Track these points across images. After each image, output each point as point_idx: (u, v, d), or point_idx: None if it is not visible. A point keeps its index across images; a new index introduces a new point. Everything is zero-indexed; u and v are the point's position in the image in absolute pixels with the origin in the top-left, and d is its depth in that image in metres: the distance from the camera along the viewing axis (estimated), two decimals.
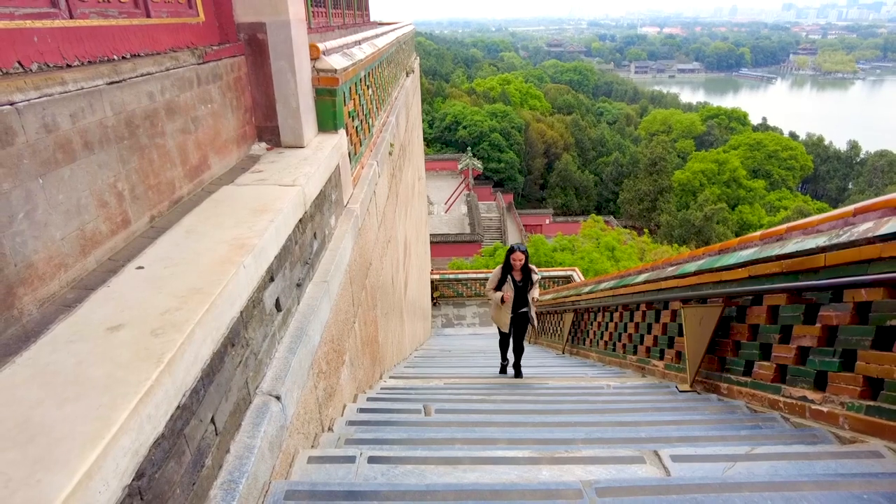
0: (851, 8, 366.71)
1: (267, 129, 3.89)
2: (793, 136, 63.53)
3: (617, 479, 2.19)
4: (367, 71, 5.78)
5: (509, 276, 5.91)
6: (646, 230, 40.23)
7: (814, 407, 3.19)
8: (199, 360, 1.76)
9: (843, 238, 2.96)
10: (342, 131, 4.35)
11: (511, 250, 5.87)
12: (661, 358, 5.54)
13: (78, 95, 1.97)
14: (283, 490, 2.06)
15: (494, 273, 6.09)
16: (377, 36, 7.86)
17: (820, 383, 3.23)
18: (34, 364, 1.51)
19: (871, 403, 2.78)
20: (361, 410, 3.72)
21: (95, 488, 1.21)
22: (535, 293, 6.04)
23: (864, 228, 2.85)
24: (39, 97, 1.77)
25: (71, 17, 2.12)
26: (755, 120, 70.80)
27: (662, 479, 2.26)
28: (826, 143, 62.27)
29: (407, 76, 12.01)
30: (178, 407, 1.61)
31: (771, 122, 71.59)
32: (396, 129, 8.30)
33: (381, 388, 4.99)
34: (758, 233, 3.97)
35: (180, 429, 1.62)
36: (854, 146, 60.67)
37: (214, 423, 1.87)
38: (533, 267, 6.00)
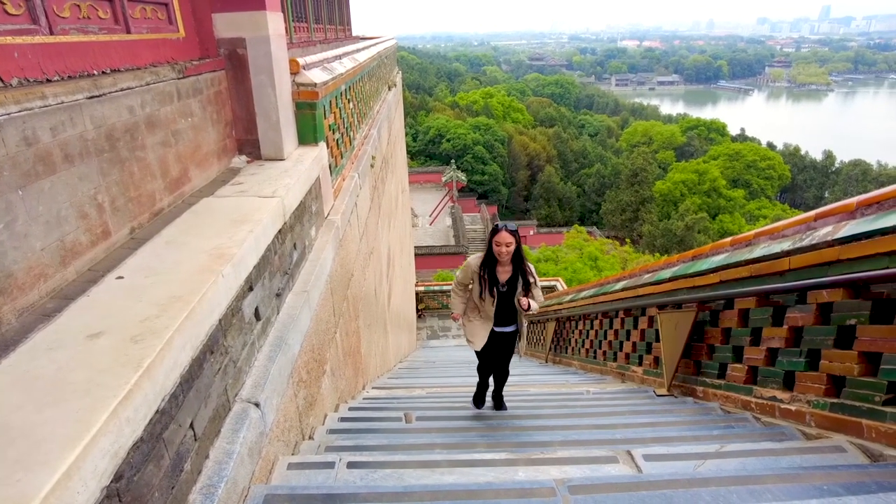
0: (822, 22, 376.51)
1: (248, 142, 3.94)
2: (770, 146, 64.73)
3: (589, 477, 2.25)
4: (348, 85, 5.86)
5: (488, 275, 3.92)
6: (628, 240, 40.66)
7: (783, 406, 3.29)
8: (179, 366, 1.80)
9: (805, 242, 3.07)
10: (323, 144, 4.41)
11: (495, 230, 3.83)
12: (640, 364, 5.63)
13: (58, 109, 2.02)
14: (263, 494, 2.09)
15: (467, 265, 4.07)
16: (358, 50, 7.95)
17: (788, 383, 3.33)
18: (13, 371, 1.54)
19: (835, 401, 2.88)
20: (343, 419, 3.75)
21: (74, 488, 1.25)
22: (534, 302, 3.95)
23: (824, 232, 2.97)
24: (20, 111, 1.81)
25: (51, 33, 2.17)
26: (734, 131, 72.09)
27: (634, 476, 2.33)
28: (802, 153, 63.53)
29: (389, 90, 12.12)
30: (158, 411, 1.65)
31: (749, 133, 72.89)
32: (378, 141, 8.38)
33: (364, 399, 5.01)
34: (728, 239, 4.09)
35: (159, 433, 1.66)
36: (829, 156, 62.00)
37: (194, 429, 1.91)
38: (530, 266, 3.96)
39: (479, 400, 4.58)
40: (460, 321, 4.36)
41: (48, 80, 2.10)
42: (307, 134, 4.31)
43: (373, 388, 6.03)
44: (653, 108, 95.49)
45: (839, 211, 2.97)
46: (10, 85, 1.90)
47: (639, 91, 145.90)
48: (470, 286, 4.14)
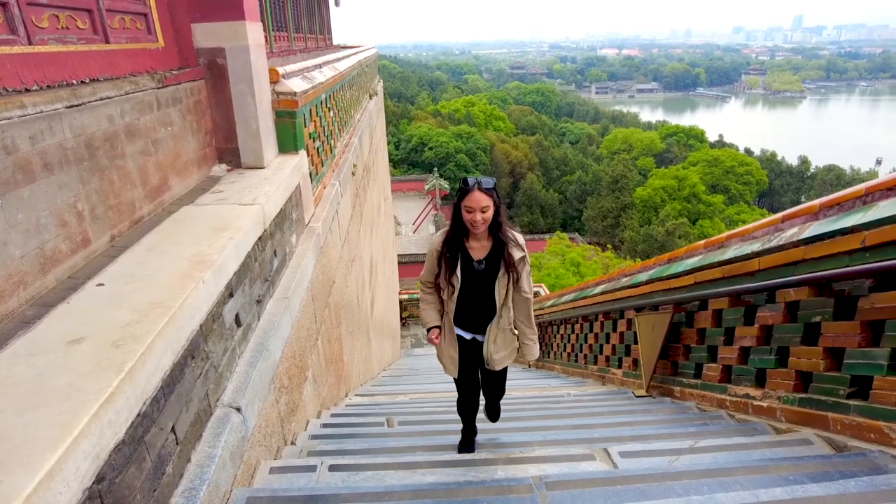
0: (795, 31, 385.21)
1: (227, 151, 3.96)
2: (748, 152, 65.90)
3: (566, 473, 2.31)
4: (329, 93, 5.91)
5: (455, 251, 2.79)
6: (609, 246, 41.03)
7: (755, 403, 3.38)
8: (160, 371, 1.82)
9: (773, 243, 3.18)
10: (303, 152, 4.44)
11: (464, 191, 2.67)
12: (620, 366, 5.72)
13: (37, 118, 2.04)
14: (245, 497, 2.12)
15: (433, 245, 2.91)
16: (338, 59, 8.00)
17: (760, 380, 3.42)
18: None
19: (803, 396, 2.98)
20: (325, 425, 3.77)
21: (56, 489, 1.27)
22: (524, 286, 2.84)
23: (791, 233, 3.07)
24: None
25: (30, 43, 2.20)
26: (712, 137, 73.25)
27: (609, 472, 2.39)
28: (779, 158, 64.78)
29: (370, 98, 12.18)
30: (139, 414, 1.67)
31: (727, 139, 74.12)
32: (360, 149, 8.42)
33: (346, 405, 5.02)
34: (702, 241, 4.19)
35: (141, 436, 1.68)
36: (804, 161, 63.29)
37: (175, 432, 1.93)
38: (513, 233, 2.81)
39: (466, 444, 3.17)
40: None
41: (27, 90, 2.12)
42: (287, 142, 4.34)
43: (356, 395, 6.04)
44: (633, 115, 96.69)
45: (804, 213, 3.07)
46: None
47: (619, 99, 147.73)
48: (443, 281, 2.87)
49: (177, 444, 1.94)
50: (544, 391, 5.80)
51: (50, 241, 2.11)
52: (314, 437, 3.39)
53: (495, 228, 2.75)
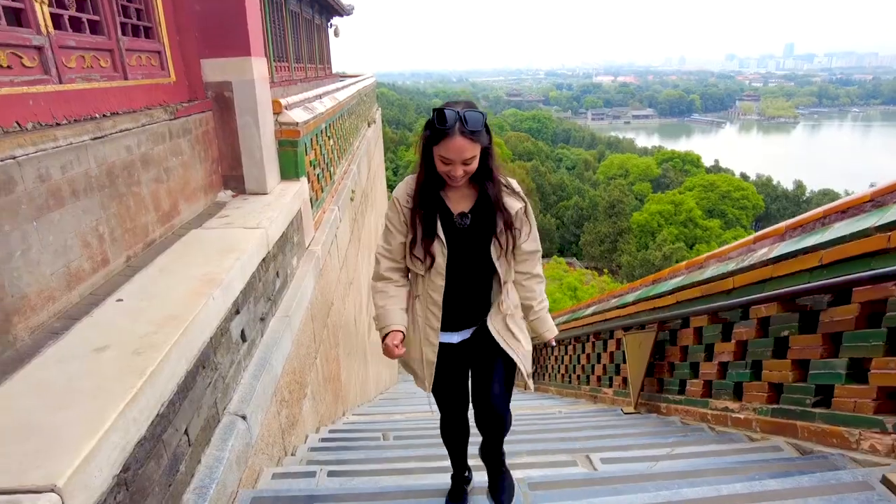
0: (787, 59, 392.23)
1: (233, 178, 4.19)
2: (744, 177, 66.58)
3: (549, 475, 2.48)
4: (329, 123, 6.17)
5: (430, 205, 2.02)
6: (606, 270, 41.25)
7: (733, 415, 3.55)
8: (175, 377, 2.01)
9: (746, 263, 3.39)
10: (304, 179, 4.68)
11: (439, 130, 1.84)
12: (610, 385, 5.88)
13: (67, 150, 2.26)
14: (250, 497, 2.28)
15: (395, 200, 2.09)
16: (338, 89, 8.31)
17: (738, 393, 3.60)
18: (28, 380, 1.75)
19: (776, 406, 3.15)
20: (323, 440, 3.93)
21: (91, 472, 1.45)
22: (531, 263, 2.21)
23: (761, 253, 3.29)
24: (35, 152, 2.06)
25: (60, 82, 2.43)
26: (708, 162, 74.03)
27: (589, 473, 2.56)
28: (775, 183, 65.47)
29: (369, 126, 12.51)
30: (158, 415, 1.85)
31: (723, 164, 74.90)
32: (358, 176, 8.69)
33: (344, 423, 5.17)
34: (684, 262, 4.41)
35: (159, 434, 1.86)
36: (799, 185, 63.98)
37: (188, 435, 2.11)
38: (510, 181, 2.13)
39: (455, 496, 2.37)
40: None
41: (58, 124, 2.35)
42: (289, 169, 4.58)
43: (353, 414, 6.18)
44: (628, 141, 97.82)
45: (773, 234, 3.30)
46: (26, 129, 2.14)
47: (614, 125, 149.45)
48: (408, 256, 2.08)
49: (189, 445, 2.12)
50: (536, 410, 5.95)
51: (75, 261, 2.31)
52: (313, 448, 3.55)
53: (484, 176, 1.99)
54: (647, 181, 64.82)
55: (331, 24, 16.03)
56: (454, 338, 2.19)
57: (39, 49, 2.31)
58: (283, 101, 4.57)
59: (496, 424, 2.21)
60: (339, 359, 5.86)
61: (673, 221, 51.67)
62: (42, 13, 2.32)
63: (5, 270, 1.88)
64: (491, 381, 2.16)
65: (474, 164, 1.92)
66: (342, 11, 15.63)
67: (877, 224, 2.38)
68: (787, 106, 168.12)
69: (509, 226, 2.04)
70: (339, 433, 4.31)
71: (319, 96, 6.34)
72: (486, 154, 1.96)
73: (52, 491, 1.30)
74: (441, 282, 2.05)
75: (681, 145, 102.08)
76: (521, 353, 2.20)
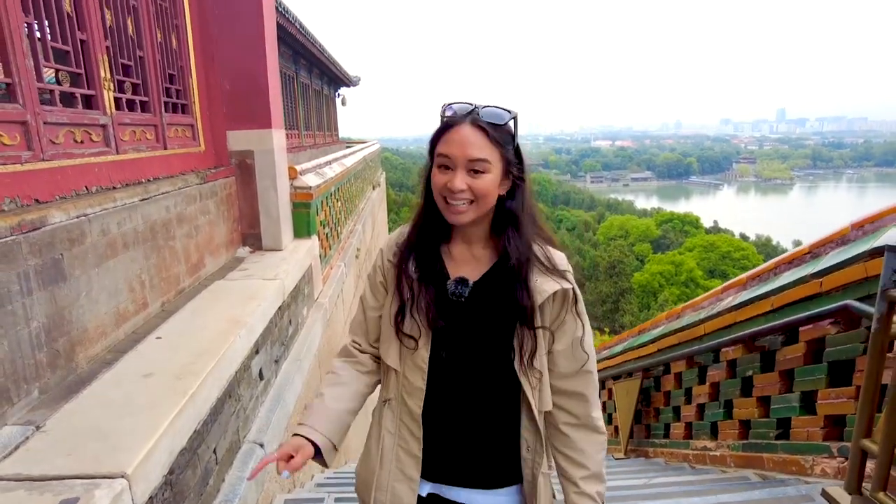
0: (780, 123, 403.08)
1: (251, 235, 4.62)
2: (743, 237, 67.38)
3: None
4: (337, 186, 6.68)
5: (423, 263, 1.40)
6: (607, 330, 41.24)
7: (711, 453, 3.82)
8: (209, 401, 2.35)
9: (714, 310, 3.75)
10: (315, 237, 5.11)
11: (443, 125, 1.32)
12: None
13: (122, 209, 2.69)
14: None
15: (380, 254, 1.51)
16: (345, 156, 8.91)
17: (714, 432, 3.87)
18: (94, 397, 2.09)
19: (746, 441, 3.44)
20: (328, 478, 4.17)
21: (149, 467, 1.78)
22: (579, 399, 1.40)
23: (727, 302, 3.66)
24: (100, 211, 2.48)
25: (117, 152, 2.89)
26: (707, 223, 75.05)
27: None
28: (774, 243, 66.21)
29: (373, 189, 13.12)
30: (195, 431, 2.19)
31: (722, 225, 75.97)
32: (363, 235, 9.15)
33: (347, 468, 5.39)
34: (664, 313, 4.77)
35: (195, 448, 2.19)
36: (799, 245, 64.54)
37: (216, 454, 2.43)
38: (551, 251, 1.39)
39: None
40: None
41: (114, 188, 2.79)
42: (302, 228, 5.02)
43: (354, 463, 6.36)
44: (628, 202, 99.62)
45: (736, 284, 3.68)
46: (93, 192, 2.57)
47: (613, 187, 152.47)
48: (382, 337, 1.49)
49: (216, 463, 2.43)
50: None
51: (122, 303, 2.69)
52: (319, 484, 3.80)
53: (506, 222, 1.36)
54: (648, 242, 65.59)
55: (338, 94, 16.99)
56: (426, 487, 1.46)
57: (104, 126, 2.77)
58: (298, 168, 5.06)
59: None
60: None
61: (674, 282, 52.00)
62: (108, 98, 2.81)
63: (74, 307, 2.26)
64: None
65: (486, 183, 1.27)
66: (349, 82, 16.58)
67: (812, 272, 2.76)
68: (783, 168, 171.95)
69: (529, 318, 1.31)
70: (343, 475, 4.54)
71: (329, 162, 6.88)
72: (514, 180, 1.35)
73: (123, 477, 1.63)
74: (420, 382, 1.36)
75: (680, 206, 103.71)
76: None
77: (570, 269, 1.42)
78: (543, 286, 1.34)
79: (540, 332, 1.35)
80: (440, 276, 1.41)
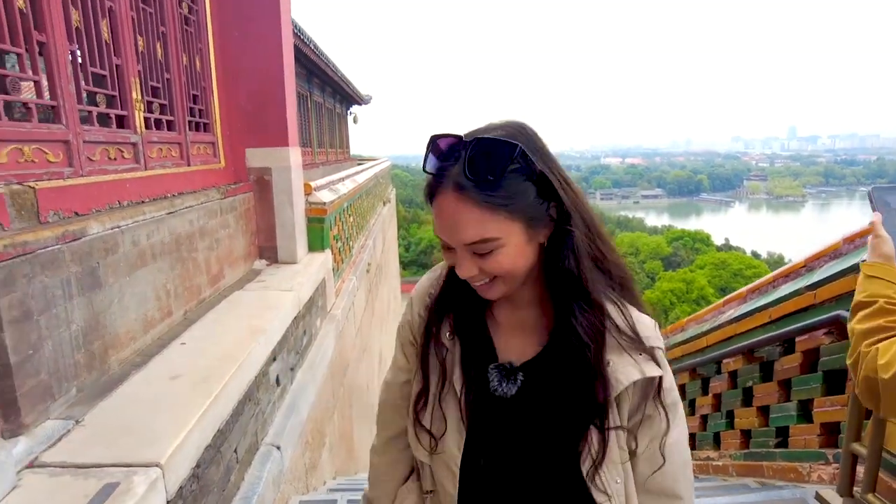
0: (791, 140, 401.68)
1: (267, 249, 4.79)
2: (755, 255, 66.90)
3: None
4: (350, 202, 6.87)
5: (465, 337, 1.09)
6: None
7: (714, 463, 3.90)
8: (231, 402, 2.49)
9: (716, 323, 3.86)
10: (328, 251, 5.28)
11: (428, 186, 0.96)
12: None
13: (151, 222, 2.86)
14: None
15: (413, 296, 1.21)
16: (357, 173, 9.12)
17: (717, 443, 3.96)
18: (125, 396, 2.25)
19: (747, 451, 3.52)
20: (339, 484, 4.29)
21: (180, 459, 1.92)
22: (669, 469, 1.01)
23: (728, 314, 3.76)
24: (132, 223, 2.65)
25: (146, 168, 3.08)
26: (719, 240, 74.54)
27: None
28: (786, 260, 65.57)
29: (384, 205, 13.33)
30: (219, 430, 2.33)
31: (734, 242, 75.46)
32: (374, 250, 9.33)
33: (357, 477, 5.49)
34: (669, 327, 4.87)
35: (219, 445, 2.33)
36: None
37: (237, 453, 2.56)
38: (639, 316, 1.01)
39: None
40: None
41: (143, 202, 2.96)
42: (316, 243, 5.19)
43: (364, 474, 6.46)
44: (638, 220, 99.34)
45: (737, 297, 3.79)
46: (125, 206, 2.75)
47: (623, 205, 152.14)
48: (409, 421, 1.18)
49: (237, 462, 2.57)
50: None
51: (150, 310, 2.85)
52: (332, 490, 3.92)
53: (561, 285, 0.99)
54: (658, 259, 65.28)
55: (350, 112, 17.31)
56: None
57: (134, 145, 2.96)
58: (313, 184, 5.25)
59: None
60: (353, 419, 6.23)
61: (685, 299, 51.64)
62: (139, 118, 3.00)
63: (108, 313, 2.42)
64: None
65: (502, 261, 0.94)
66: (361, 101, 16.90)
67: (807, 284, 2.87)
68: (795, 185, 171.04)
69: (599, 414, 0.98)
70: (354, 482, 4.65)
71: (342, 179, 7.08)
72: (562, 240, 0.96)
73: (157, 466, 1.78)
74: (451, 488, 1.09)
75: (690, 224, 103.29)
76: None
77: (661, 343, 1.02)
78: (621, 371, 0.96)
79: (612, 435, 0.98)
80: (483, 354, 1.08)
